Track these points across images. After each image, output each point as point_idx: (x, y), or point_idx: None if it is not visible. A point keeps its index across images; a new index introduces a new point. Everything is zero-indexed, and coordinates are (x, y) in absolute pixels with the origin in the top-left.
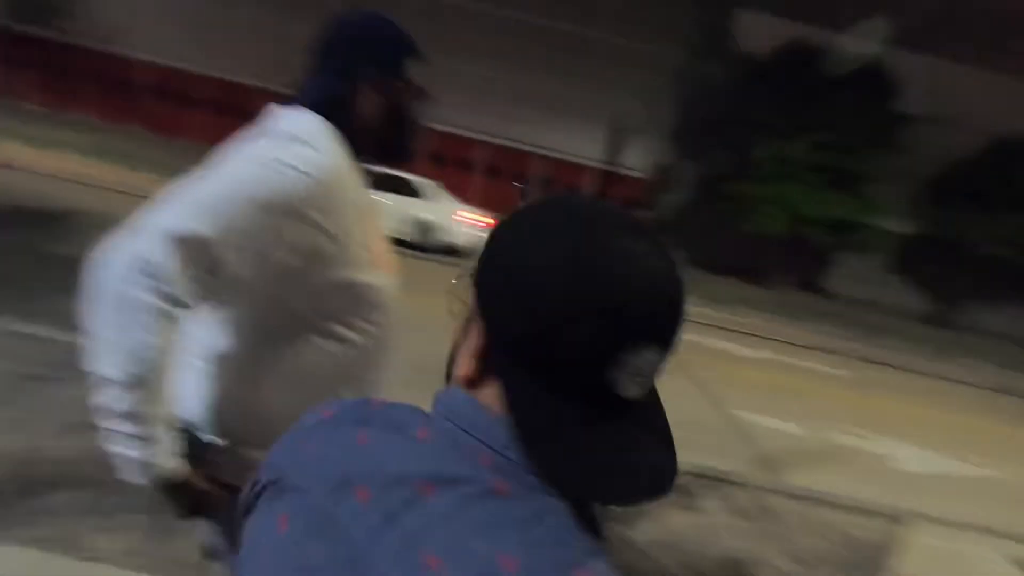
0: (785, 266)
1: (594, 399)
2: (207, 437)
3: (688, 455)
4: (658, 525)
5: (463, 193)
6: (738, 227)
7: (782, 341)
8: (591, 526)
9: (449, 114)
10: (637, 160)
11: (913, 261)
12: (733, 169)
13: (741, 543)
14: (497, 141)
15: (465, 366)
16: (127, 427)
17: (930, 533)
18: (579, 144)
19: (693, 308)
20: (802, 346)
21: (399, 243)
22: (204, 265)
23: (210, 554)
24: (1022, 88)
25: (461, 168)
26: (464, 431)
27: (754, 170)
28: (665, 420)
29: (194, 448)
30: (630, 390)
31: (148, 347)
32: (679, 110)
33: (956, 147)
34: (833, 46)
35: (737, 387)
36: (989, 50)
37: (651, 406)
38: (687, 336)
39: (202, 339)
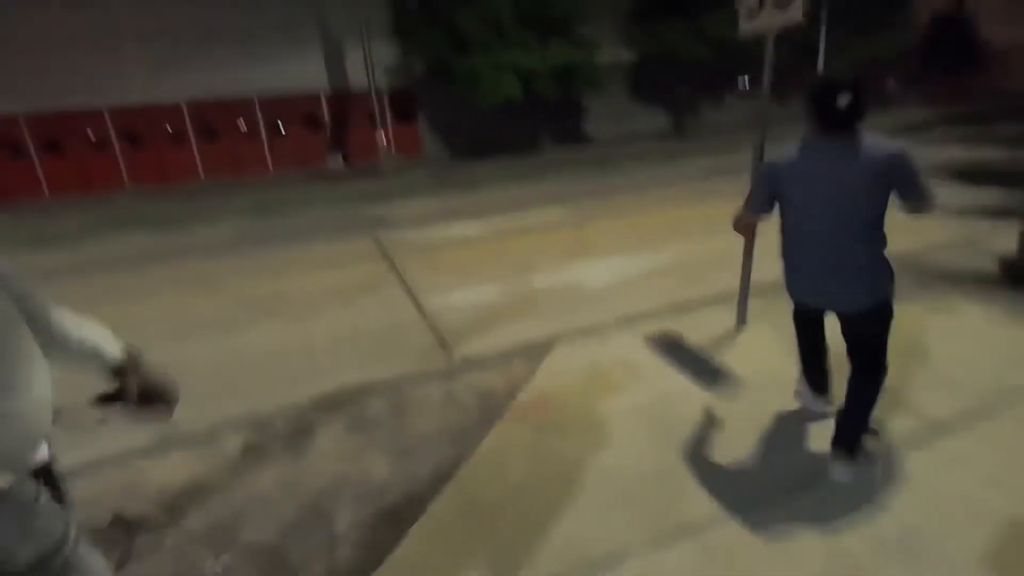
0: (535, 128)
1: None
2: None
3: (350, 372)
4: (246, 488)
5: (183, 167)
6: (480, 103)
7: (511, 210)
8: None
9: (131, 82)
10: (366, 71)
11: (643, 86)
12: (451, 47)
13: (340, 468)
14: (201, 97)
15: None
16: None
17: (577, 344)
18: (298, 72)
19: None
20: (533, 206)
21: None
22: None
23: None
24: None
25: (174, 142)
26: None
27: (469, 42)
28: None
29: None
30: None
31: None
32: (383, 3)
33: None
34: None
35: (445, 272)
36: None
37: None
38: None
39: None
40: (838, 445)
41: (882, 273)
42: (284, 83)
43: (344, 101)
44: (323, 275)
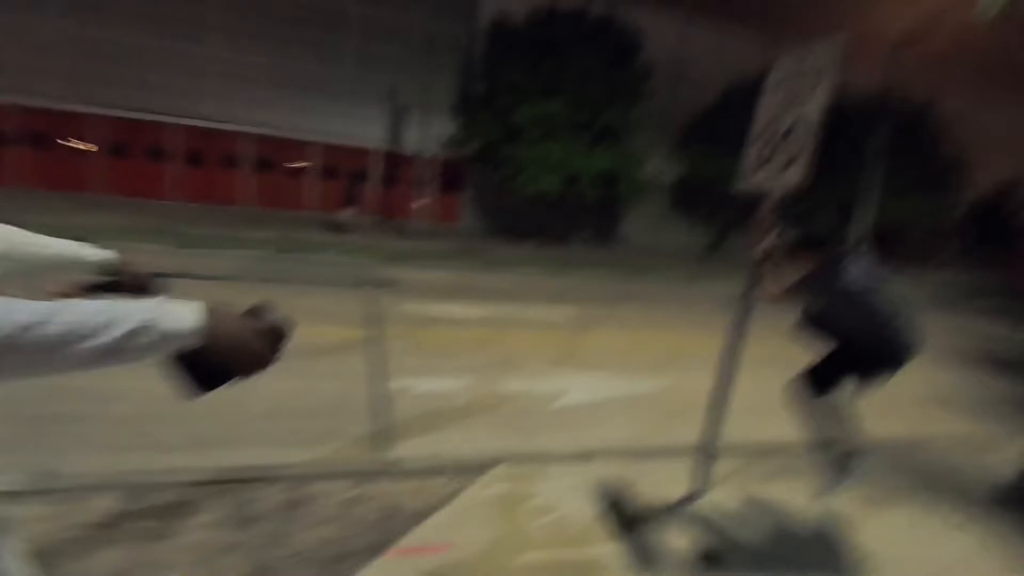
0: (572, 223)
1: None
2: None
3: (266, 448)
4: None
5: (230, 191)
6: (518, 191)
7: (520, 298)
8: None
9: (204, 105)
10: (421, 139)
11: (685, 203)
12: (503, 135)
13: (184, 570)
14: (264, 131)
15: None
16: None
17: (515, 472)
18: (358, 127)
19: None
20: (543, 299)
21: None
22: None
23: None
24: (748, 38)
25: (224, 165)
26: None
27: (521, 134)
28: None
29: None
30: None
31: None
32: (452, 83)
33: (697, 95)
34: (576, 9)
35: (425, 353)
36: (717, 6)
37: None
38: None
39: None
40: None
41: None
42: (343, 134)
43: (395, 161)
44: (299, 329)
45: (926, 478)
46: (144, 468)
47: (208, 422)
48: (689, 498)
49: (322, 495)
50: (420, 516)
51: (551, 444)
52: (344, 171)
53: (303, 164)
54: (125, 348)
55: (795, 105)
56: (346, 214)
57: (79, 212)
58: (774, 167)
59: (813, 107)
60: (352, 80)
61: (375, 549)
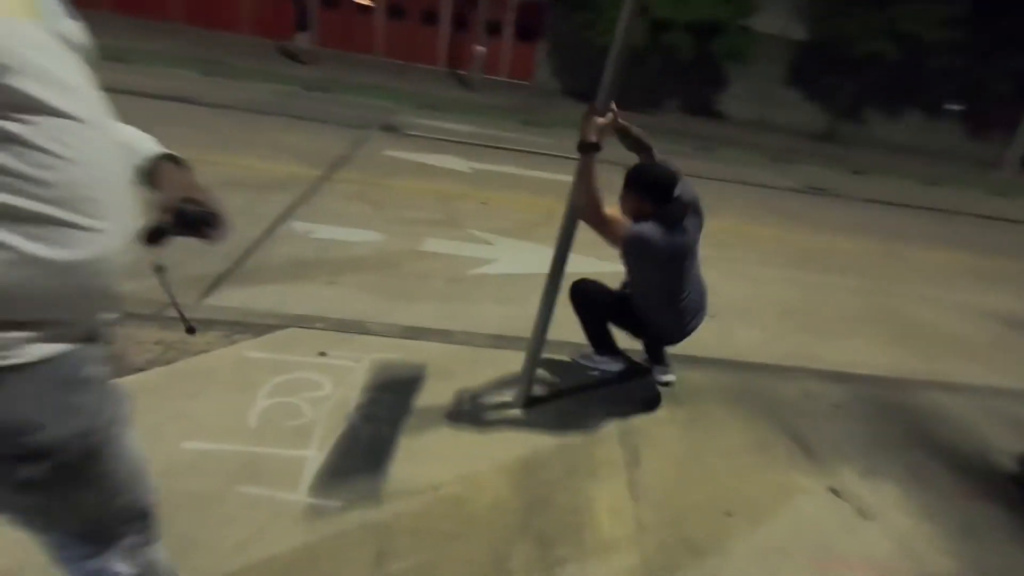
0: (661, 88)
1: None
2: None
3: None
4: None
5: (236, 20)
6: (596, 40)
7: (533, 159)
8: None
9: None
10: None
11: (805, 72)
12: None
13: None
14: None
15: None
16: None
17: (306, 339)
18: None
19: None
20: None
21: None
22: None
23: None
24: None
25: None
26: None
27: None
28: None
29: None
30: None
31: None
32: None
33: None
34: None
35: (364, 199)
36: None
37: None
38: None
39: None
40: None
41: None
42: None
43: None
44: (256, 162)
45: (926, 443)
46: None
47: None
48: (513, 404)
49: None
50: (134, 372)
51: (410, 314)
52: (412, 10)
53: (369, 3)
54: None
55: None
56: (300, 40)
57: (138, 36)
58: None
59: None
60: None
61: None
